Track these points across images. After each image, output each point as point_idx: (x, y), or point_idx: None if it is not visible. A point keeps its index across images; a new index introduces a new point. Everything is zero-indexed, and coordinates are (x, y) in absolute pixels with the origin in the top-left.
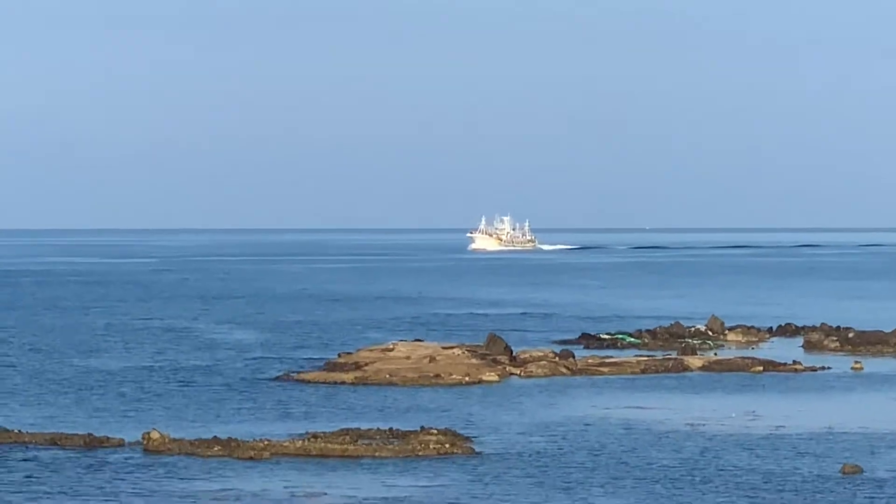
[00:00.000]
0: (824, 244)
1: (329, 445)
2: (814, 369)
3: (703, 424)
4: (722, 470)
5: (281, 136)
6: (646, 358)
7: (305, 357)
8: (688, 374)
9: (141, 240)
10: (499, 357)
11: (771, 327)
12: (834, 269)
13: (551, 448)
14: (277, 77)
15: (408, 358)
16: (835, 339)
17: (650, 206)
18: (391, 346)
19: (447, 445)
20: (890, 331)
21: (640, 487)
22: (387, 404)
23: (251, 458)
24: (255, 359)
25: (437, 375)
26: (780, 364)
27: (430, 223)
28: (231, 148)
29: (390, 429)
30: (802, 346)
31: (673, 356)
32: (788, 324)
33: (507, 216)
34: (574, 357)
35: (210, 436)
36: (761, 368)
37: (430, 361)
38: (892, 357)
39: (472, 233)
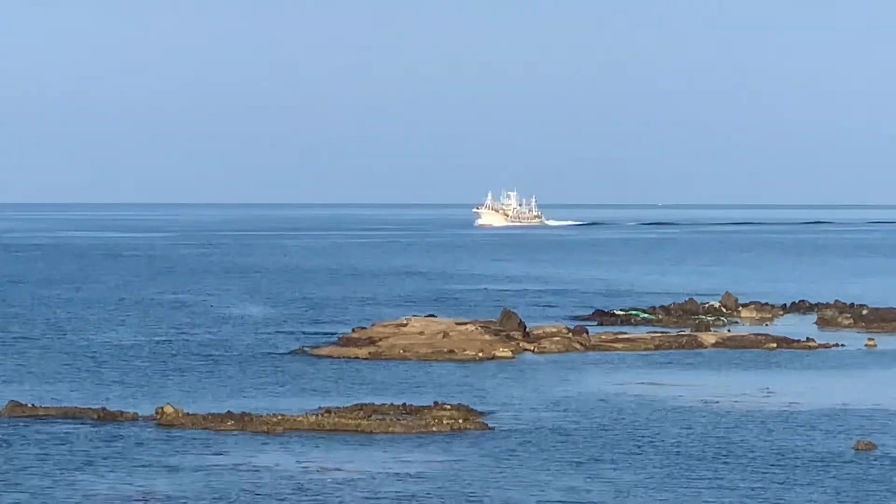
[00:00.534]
0: (833, 221)
1: (342, 420)
2: (827, 346)
3: (717, 401)
4: (735, 446)
5: (291, 111)
6: (659, 334)
7: (320, 332)
8: (701, 350)
9: (159, 214)
10: (512, 333)
11: (785, 304)
12: (847, 246)
13: (564, 424)
14: (293, 53)
15: (421, 333)
16: (848, 315)
17: (662, 182)
18: (405, 322)
19: (460, 421)
20: None
21: (653, 463)
22: (400, 380)
23: (264, 433)
24: (269, 334)
25: (451, 351)
26: (793, 341)
27: (434, 198)
28: (244, 122)
29: (404, 404)
30: (816, 323)
31: (687, 332)
32: (802, 301)
33: (513, 191)
34: (588, 333)
35: (224, 410)
36: (775, 345)
37: (443, 337)
38: None
39: (478, 208)
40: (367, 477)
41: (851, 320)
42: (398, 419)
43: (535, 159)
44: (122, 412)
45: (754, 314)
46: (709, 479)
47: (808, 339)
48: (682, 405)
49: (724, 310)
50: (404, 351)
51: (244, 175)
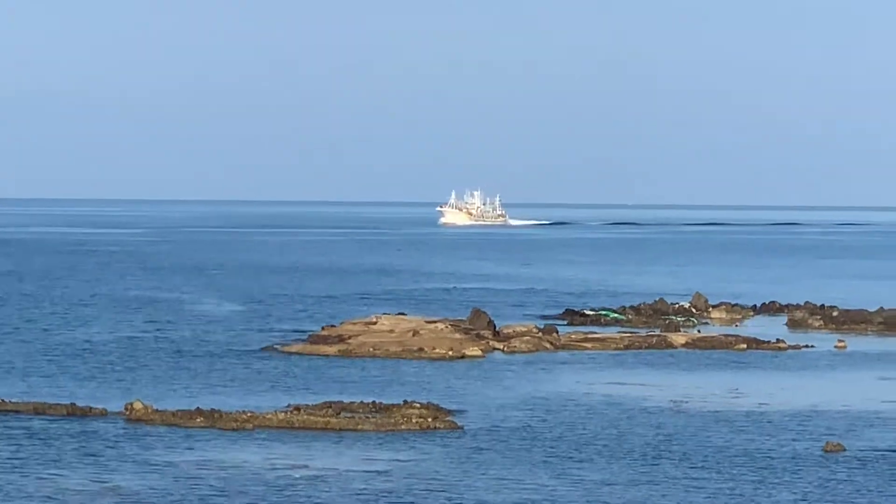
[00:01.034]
0: (802, 222)
1: (312, 418)
2: (797, 347)
3: (686, 401)
4: (704, 446)
5: (289, 111)
6: (629, 334)
7: (289, 329)
8: (671, 350)
9: (127, 210)
10: (482, 332)
11: (755, 305)
12: (817, 248)
13: (533, 423)
14: (259, 51)
15: (391, 331)
16: (818, 317)
17: (631, 182)
18: (375, 320)
19: (430, 419)
20: (873, 310)
21: (621, 463)
22: (370, 378)
23: (234, 430)
24: (239, 331)
25: (421, 349)
26: (763, 342)
27: (396, 197)
28: (240, 121)
29: (373, 402)
30: (786, 325)
31: (657, 333)
32: (772, 302)
33: (477, 190)
34: (557, 332)
35: (193, 407)
36: (745, 346)
37: (413, 335)
38: (876, 336)
39: (441, 207)
40: (336, 474)
41: (822, 322)
42: (368, 417)
43: (499, 158)
44: (91, 408)
45: (724, 315)
46: (677, 478)
47: (778, 340)
48: (651, 405)
49: (694, 310)
50: (374, 349)
51: (236, 173)
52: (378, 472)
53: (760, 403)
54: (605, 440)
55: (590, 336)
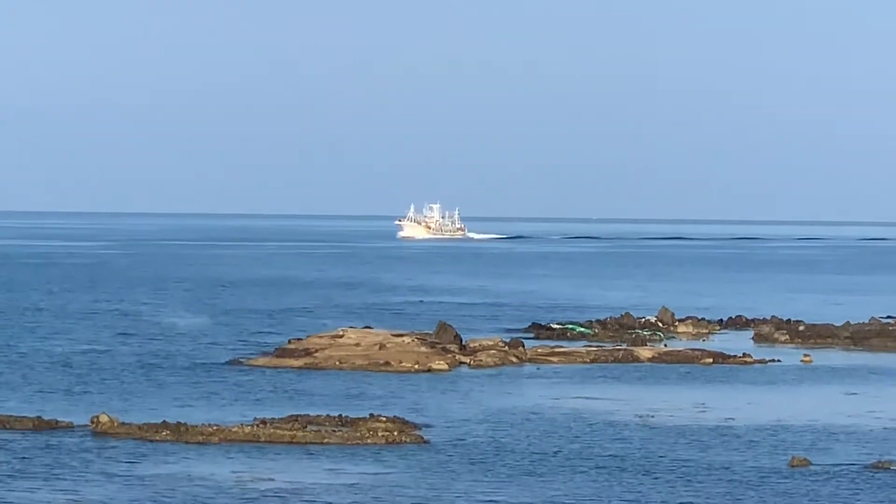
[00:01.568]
0: (762, 237)
1: (278, 431)
2: (763, 362)
3: (652, 416)
4: (669, 461)
5: (202, 122)
6: (595, 348)
7: (255, 343)
8: (637, 364)
9: (89, 223)
10: (448, 345)
11: (721, 319)
12: (783, 263)
13: (499, 437)
14: (210, 67)
15: (357, 345)
16: (785, 332)
17: (594, 197)
18: (341, 333)
19: (396, 433)
20: (840, 324)
21: (587, 477)
22: (336, 391)
23: (200, 443)
24: (205, 344)
25: (387, 363)
26: (729, 356)
27: (353, 211)
28: (166, 134)
29: (339, 416)
30: (753, 339)
31: (623, 347)
32: (739, 316)
33: (436, 204)
34: (524, 346)
35: (159, 420)
36: (711, 360)
37: (379, 349)
38: (842, 350)
39: (400, 220)
40: (302, 488)
41: (788, 336)
42: (333, 431)
43: (458, 171)
44: (57, 421)
45: (691, 329)
46: (642, 493)
47: (744, 354)
48: (617, 420)
49: (660, 324)
50: (340, 362)
51: (186, 187)
52: (345, 486)
53: (727, 418)
54: (571, 454)
55: (556, 350)
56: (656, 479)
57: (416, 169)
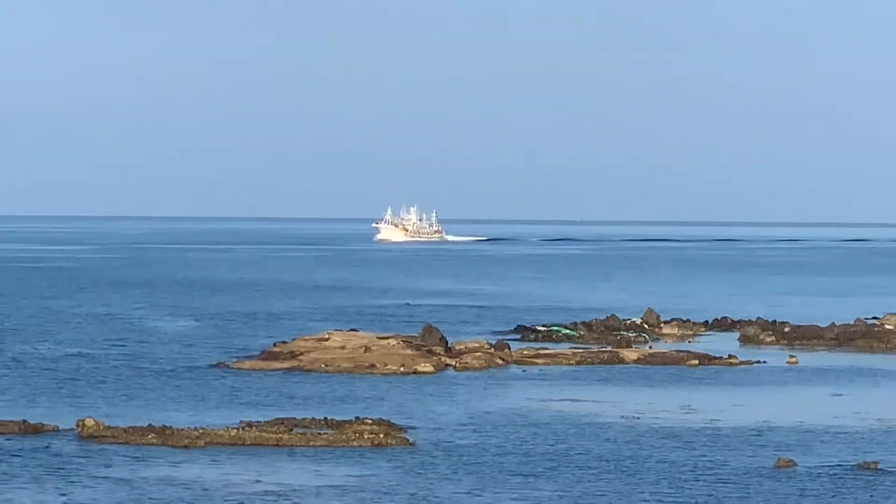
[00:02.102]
0: (743, 238)
1: (263, 434)
2: (749, 363)
3: (638, 417)
4: (655, 462)
5: (179, 126)
6: (581, 350)
7: (241, 346)
8: (623, 366)
9: (73, 227)
10: (434, 348)
11: (707, 321)
12: (768, 264)
13: (485, 439)
14: (192, 68)
15: (343, 348)
16: (770, 333)
17: (573, 199)
18: (327, 336)
19: (381, 436)
20: (825, 325)
21: (573, 479)
22: (322, 394)
23: (185, 447)
24: (190, 347)
25: (373, 365)
26: (715, 358)
27: (330, 213)
28: (143, 137)
29: (325, 418)
30: (738, 340)
31: (608, 349)
32: (724, 318)
33: (413, 206)
34: (509, 348)
35: (145, 423)
36: (697, 362)
37: (365, 351)
38: (827, 351)
39: (377, 223)
40: (288, 491)
41: (773, 337)
42: (319, 433)
43: (436, 174)
44: (43, 425)
45: (676, 331)
46: (628, 494)
47: (729, 355)
48: (602, 421)
49: (646, 326)
50: (326, 365)
51: (164, 191)
52: (331, 488)
53: (712, 419)
54: (556, 456)
55: (542, 352)
56: (642, 480)
57: (393, 172)
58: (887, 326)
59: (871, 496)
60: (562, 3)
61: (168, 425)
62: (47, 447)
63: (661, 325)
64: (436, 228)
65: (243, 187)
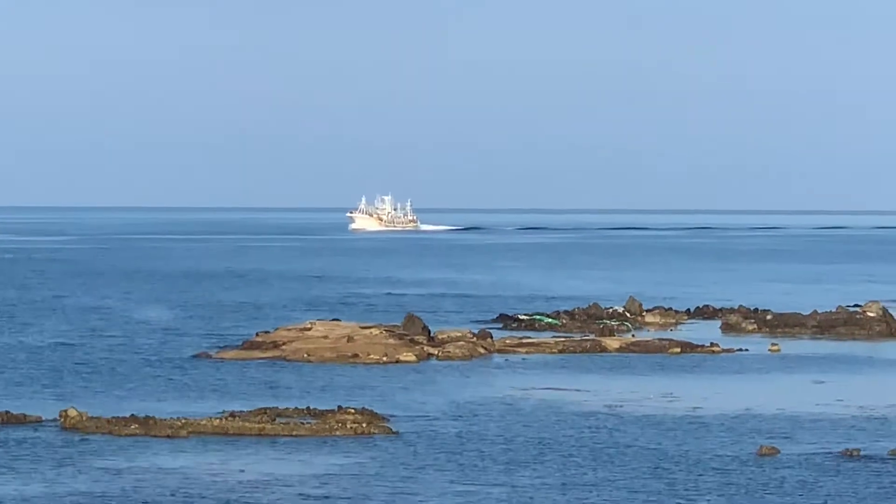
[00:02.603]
0: (718, 226)
1: (246, 424)
2: (731, 351)
3: (620, 405)
4: (638, 450)
5: (148, 113)
6: (563, 339)
7: (223, 336)
8: (605, 355)
9: (56, 217)
10: (417, 337)
11: (689, 309)
12: (747, 252)
13: (467, 428)
14: (167, 55)
15: (325, 337)
16: (752, 321)
17: (546, 188)
18: (309, 326)
19: (364, 425)
20: (807, 313)
21: (555, 467)
22: (304, 383)
23: (168, 437)
24: (173, 337)
25: (355, 355)
26: (697, 346)
27: (305, 202)
28: (126, 127)
29: (308, 408)
30: (720, 328)
31: (591, 337)
32: (706, 306)
33: (388, 195)
34: (492, 337)
35: (128, 414)
36: (679, 350)
37: (347, 341)
38: (809, 339)
39: (351, 213)
40: (271, 480)
41: (755, 325)
42: (302, 423)
43: (410, 163)
44: (25, 415)
45: (658, 319)
46: (610, 481)
47: (712, 344)
48: (585, 409)
49: (628, 315)
50: (308, 355)
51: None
52: (314, 477)
53: (695, 407)
54: (539, 444)
55: (524, 341)
56: (624, 467)
57: (367, 161)
58: (869, 314)
59: (854, 483)
60: None
61: (151, 415)
62: (30, 438)
63: (644, 313)
64: (410, 218)
65: (215, 177)
